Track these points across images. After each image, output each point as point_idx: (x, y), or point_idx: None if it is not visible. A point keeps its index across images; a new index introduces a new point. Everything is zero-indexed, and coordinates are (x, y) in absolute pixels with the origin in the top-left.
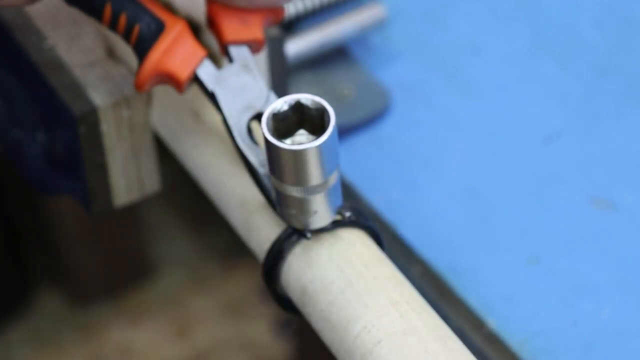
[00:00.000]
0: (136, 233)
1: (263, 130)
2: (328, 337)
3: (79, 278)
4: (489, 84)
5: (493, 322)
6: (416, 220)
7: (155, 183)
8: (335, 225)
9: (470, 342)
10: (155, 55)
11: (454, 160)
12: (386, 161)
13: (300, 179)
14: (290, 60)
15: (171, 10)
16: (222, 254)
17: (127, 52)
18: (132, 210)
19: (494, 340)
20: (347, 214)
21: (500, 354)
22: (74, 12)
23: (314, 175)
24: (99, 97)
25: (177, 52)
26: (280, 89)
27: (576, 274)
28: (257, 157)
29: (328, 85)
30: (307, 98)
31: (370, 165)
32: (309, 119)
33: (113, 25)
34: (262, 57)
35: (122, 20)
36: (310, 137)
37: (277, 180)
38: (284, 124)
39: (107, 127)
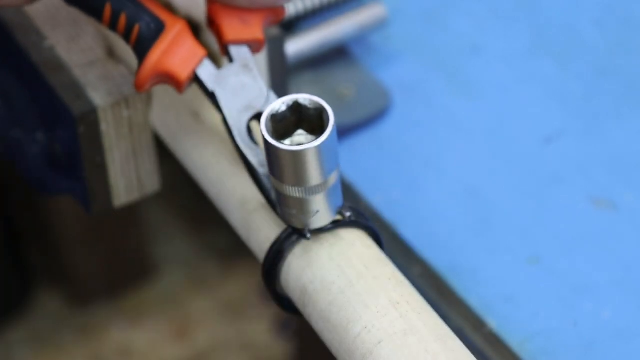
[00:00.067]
0: (136, 233)
1: (262, 131)
2: (328, 337)
3: (79, 278)
4: (489, 84)
5: (493, 322)
6: (416, 220)
7: (155, 183)
8: (335, 225)
9: (471, 342)
10: (155, 55)
11: (454, 160)
12: (386, 161)
13: (299, 179)
14: (290, 60)
15: (171, 10)
16: (222, 254)
17: (127, 51)
18: (132, 210)
19: (494, 341)
20: (348, 214)
21: (501, 354)
22: (74, 12)
23: (314, 175)
24: (98, 97)
25: (177, 52)
26: (280, 89)
27: (576, 274)
28: (257, 157)
29: (328, 85)
30: (305, 98)
31: (370, 165)
32: (307, 119)
33: (113, 25)
34: (262, 56)
35: (122, 20)
36: (310, 137)
37: (277, 180)
38: (283, 125)
39: (107, 127)
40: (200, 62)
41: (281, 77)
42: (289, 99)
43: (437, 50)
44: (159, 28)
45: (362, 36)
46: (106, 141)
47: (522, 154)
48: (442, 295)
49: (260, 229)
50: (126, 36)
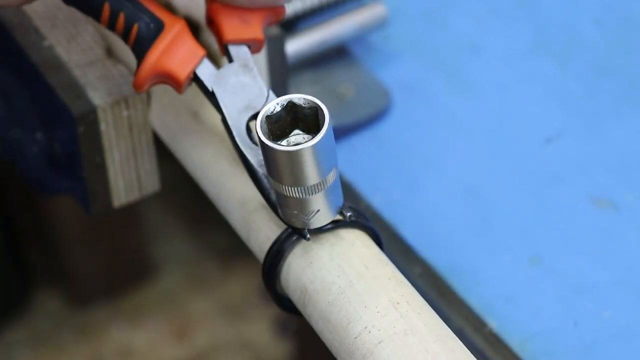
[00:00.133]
0: (136, 233)
1: (257, 132)
2: (328, 337)
3: (79, 278)
4: (489, 84)
5: (493, 323)
6: (416, 220)
7: (155, 183)
8: (336, 225)
9: (471, 343)
10: (154, 55)
11: (454, 160)
12: (386, 161)
13: (297, 179)
14: (290, 60)
15: (170, 9)
16: (222, 254)
17: (126, 51)
18: (132, 210)
19: (495, 341)
20: (348, 214)
21: (501, 354)
22: (73, 12)
23: (311, 175)
24: (98, 97)
25: (176, 51)
26: (280, 89)
27: (577, 274)
28: (256, 157)
29: (328, 85)
30: (299, 97)
31: (370, 165)
32: (303, 119)
33: (112, 25)
34: (262, 56)
35: (121, 19)
36: (307, 136)
37: (275, 181)
38: (279, 125)
39: (107, 126)
40: (199, 62)
41: (281, 77)
42: (283, 99)
43: (437, 50)
44: (158, 28)
45: (362, 36)
46: (106, 141)
47: (522, 154)
48: (442, 295)
49: (260, 229)
50: (125, 36)
